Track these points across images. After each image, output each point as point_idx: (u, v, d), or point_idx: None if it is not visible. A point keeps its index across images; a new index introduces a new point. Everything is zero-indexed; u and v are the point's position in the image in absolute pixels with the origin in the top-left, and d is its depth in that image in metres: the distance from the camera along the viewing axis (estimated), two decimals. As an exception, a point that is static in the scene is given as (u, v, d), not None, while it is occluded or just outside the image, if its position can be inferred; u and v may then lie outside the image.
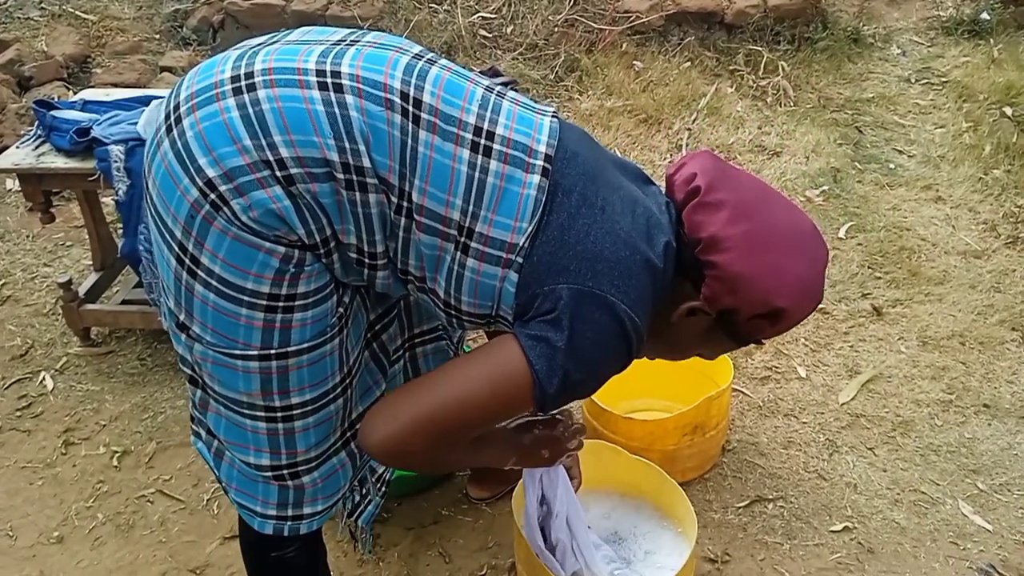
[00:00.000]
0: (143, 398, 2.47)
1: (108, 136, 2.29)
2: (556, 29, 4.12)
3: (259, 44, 1.24)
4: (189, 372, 1.36)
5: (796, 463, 2.24)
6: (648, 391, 2.31)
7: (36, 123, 2.46)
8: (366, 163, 1.16)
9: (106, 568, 2.01)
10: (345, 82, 1.16)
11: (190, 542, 2.06)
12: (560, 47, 4.07)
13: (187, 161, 1.16)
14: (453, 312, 1.29)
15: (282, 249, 1.18)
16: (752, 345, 1.37)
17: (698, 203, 1.28)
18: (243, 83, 1.16)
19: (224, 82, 1.17)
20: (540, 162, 1.23)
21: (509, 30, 4.18)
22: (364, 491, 1.68)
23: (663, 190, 1.38)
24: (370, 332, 1.45)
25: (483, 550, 2.02)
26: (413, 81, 1.19)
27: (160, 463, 2.27)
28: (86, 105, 2.53)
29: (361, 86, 1.16)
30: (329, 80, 1.16)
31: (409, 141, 1.17)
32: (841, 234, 3.08)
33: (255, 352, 1.23)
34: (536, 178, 1.22)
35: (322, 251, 1.22)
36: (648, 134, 3.65)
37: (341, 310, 1.29)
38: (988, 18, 4.31)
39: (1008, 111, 3.71)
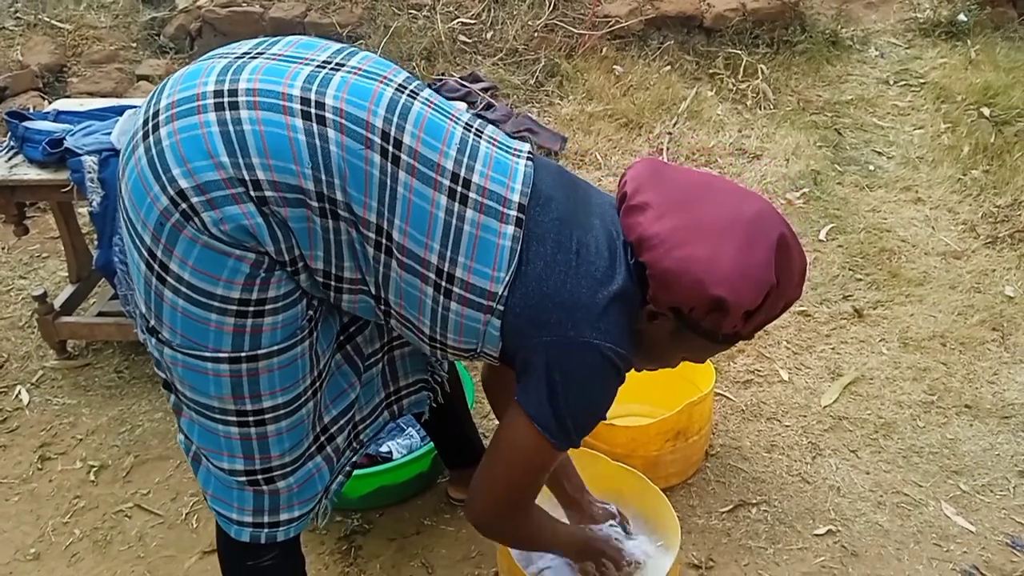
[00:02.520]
0: (120, 411, 2.44)
1: (81, 147, 2.26)
2: (536, 34, 4.12)
3: (245, 55, 1.23)
4: (164, 376, 1.37)
5: (779, 467, 2.24)
6: (630, 397, 2.28)
7: (8, 134, 2.43)
8: (340, 197, 1.18)
9: (83, 585, 1.98)
10: (328, 115, 1.17)
11: (168, 557, 2.04)
12: (540, 52, 4.07)
13: (160, 170, 1.16)
14: (439, 346, 1.34)
15: (252, 255, 1.20)
16: (740, 343, 1.39)
17: (625, 208, 1.32)
18: (226, 99, 1.16)
19: (207, 95, 1.17)
20: (514, 212, 1.27)
21: (489, 35, 4.17)
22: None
23: None
24: (343, 335, 1.45)
25: (466, 560, 2.00)
26: (395, 120, 1.21)
27: (138, 477, 2.24)
28: (59, 115, 2.50)
29: (344, 121, 1.17)
30: (313, 111, 1.17)
31: (388, 181, 1.20)
32: (822, 236, 3.09)
33: (225, 355, 1.24)
34: (511, 228, 1.26)
35: (290, 269, 1.24)
36: (629, 138, 3.65)
37: (311, 313, 1.30)
38: (965, 19, 4.34)
39: (986, 112, 3.73)
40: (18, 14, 4.36)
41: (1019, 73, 3.96)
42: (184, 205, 1.16)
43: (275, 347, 1.26)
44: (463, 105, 3.26)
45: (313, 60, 1.23)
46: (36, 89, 3.88)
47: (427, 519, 2.10)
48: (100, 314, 2.62)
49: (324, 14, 4.19)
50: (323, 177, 1.17)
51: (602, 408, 1.36)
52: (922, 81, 4.05)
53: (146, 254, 1.21)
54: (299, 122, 1.16)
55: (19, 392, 2.52)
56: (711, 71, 4.08)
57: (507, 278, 1.26)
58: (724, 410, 2.40)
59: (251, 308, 1.22)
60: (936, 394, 2.44)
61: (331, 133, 1.17)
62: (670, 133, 3.64)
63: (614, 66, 4.06)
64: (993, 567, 1.97)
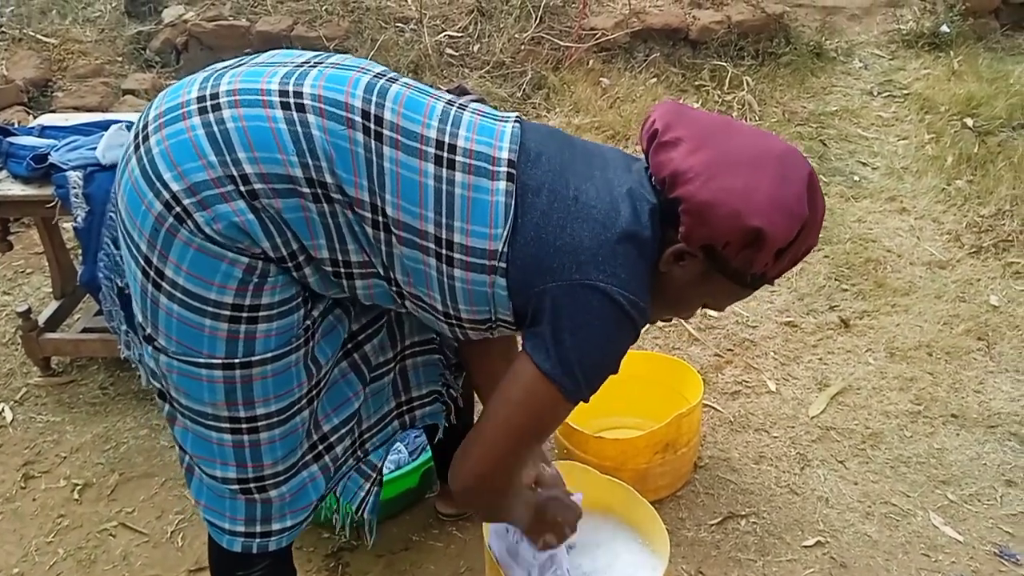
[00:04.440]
0: (105, 428, 2.42)
1: (66, 162, 2.25)
2: (523, 47, 4.13)
3: (225, 67, 1.28)
4: (158, 386, 1.37)
5: (768, 478, 2.24)
6: (619, 409, 2.30)
7: (-8, 150, 2.41)
8: (329, 179, 1.19)
9: (67, 605, 1.96)
10: (307, 102, 1.20)
11: (154, 576, 2.02)
12: (527, 65, 4.08)
13: (152, 176, 1.19)
14: (455, 322, 1.32)
15: (245, 260, 1.21)
16: (765, 286, 1.32)
17: (657, 144, 1.28)
18: (208, 103, 1.20)
19: (190, 102, 1.21)
20: (504, 168, 1.26)
21: (476, 48, 4.19)
22: (368, 482, 1.65)
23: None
24: (351, 342, 1.45)
25: None
26: (374, 99, 1.22)
27: (122, 495, 2.22)
28: (44, 131, 2.49)
29: (323, 105, 1.20)
30: (292, 100, 1.20)
31: (374, 158, 1.20)
32: (808, 247, 3.10)
33: (219, 361, 1.25)
34: (502, 184, 1.25)
35: (290, 264, 1.25)
36: (615, 150, 3.65)
37: (308, 322, 1.31)
38: (948, 31, 4.39)
39: (969, 122, 3.76)
40: (3, 28, 4.35)
41: (1002, 84, 3.99)
42: (178, 208, 1.18)
43: (268, 354, 1.27)
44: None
45: (291, 63, 1.27)
46: (21, 104, 3.86)
47: (415, 535, 2.09)
48: (85, 330, 2.60)
49: (311, 28, 4.19)
50: (310, 162, 1.18)
51: (613, 357, 1.29)
52: (906, 92, 4.09)
53: (142, 262, 1.23)
54: (279, 112, 1.19)
55: (2, 410, 2.49)
56: (697, 83, 4.10)
57: (504, 233, 1.24)
58: (712, 422, 2.40)
59: (244, 314, 1.24)
60: (923, 404, 2.45)
61: (311, 118, 1.19)
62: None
63: (600, 78, 4.07)
64: (981, 577, 1.97)
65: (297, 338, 1.29)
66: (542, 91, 4.00)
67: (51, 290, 2.72)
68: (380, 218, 1.22)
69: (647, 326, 1.37)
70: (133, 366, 2.35)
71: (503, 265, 1.25)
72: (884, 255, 3.06)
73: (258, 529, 1.40)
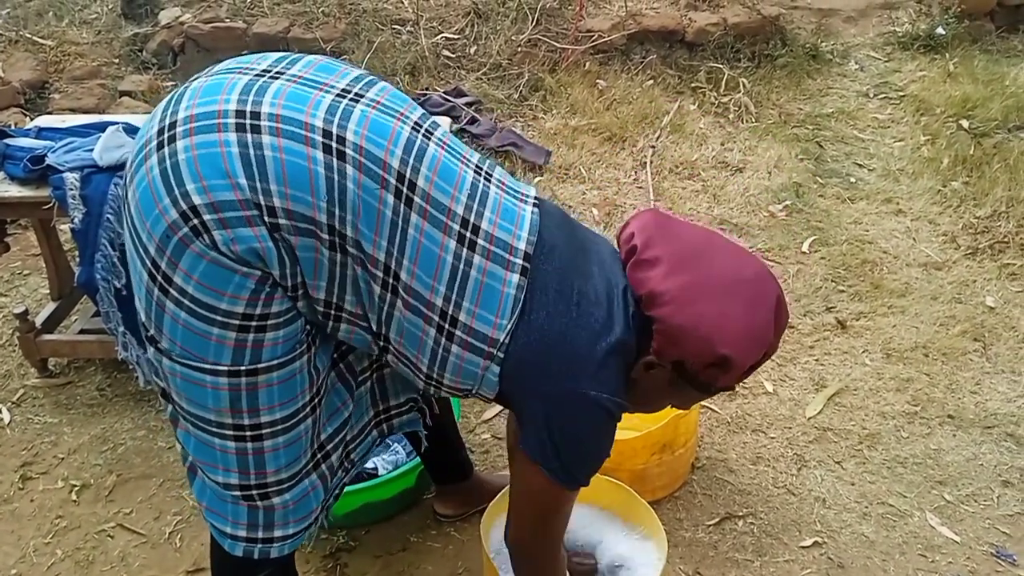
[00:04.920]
0: (103, 429, 2.42)
1: (63, 164, 2.25)
2: (519, 49, 4.13)
3: (265, 72, 1.22)
4: (161, 385, 1.36)
5: (765, 479, 2.24)
6: (616, 410, 2.30)
7: (-11, 151, 2.41)
8: (350, 233, 1.19)
9: (65, 607, 1.96)
10: (348, 151, 1.18)
11: (152, 577, 2.02)
12: (524, 67, 4.08)
13: (173, 183, 1.16)
14: (434, 384, 1.37)
15: (258, 273, 1.20)
16: (722, 392, 1.45)
17: (635, 261, 1.36)
18: (248, 121, 1.16)
19: (228, 113, 1.17)
20: (519, 260, 1.30)
21: (473, 50, 4.19)
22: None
23: None
24: (336, 352, 1.45)
25: (453, 576, 2.00)
26: (411, 162, 1.22)
27: (120, 496, 2.22)
28: (41, 132, 2.49)
29: (362, 159, 1.19)
30: (334, 145, 1.18)
31: (400, 222, 1.21)
32: (804, 248, 3.11)
33: (224, 369, 1.24)
34: (516, 277, 1.29)
35: (290, 294, 1.24)
36: (612, 152, 3.66)
37: (309, 327, 1.30)
38: (943, 33, 4.40)
39: (964, 124, 3.78)
40: (-1, 30, 4.34)
41: (997, 85, 4.01)
42: (195, 221, 1.16)
43: (275, 361, 1.26)
44: (446, 120, 3.27)
45: (333, 87, 1.23)
46: (18, 106, 3.85)
47: (413, 536, 2.09)
48: (82, 332, 2.60)
49: (307, 29, 4.19)
50: (336, 212, 1.18)
51: (603, 452, 1.41)
52: (901, 94, 4.10)
53: (149, 265, 1.21)
54: (320, 155, 1.17)
55: (0, 411, 2.49)
56: (693, 85, 4.11)
57: (510, 326, 1.29)
58: (709, 422, 2.41)
59: (254, 323, 1.23)
60: (919, 404, 2.46)
61: (349, 170, 1.18)
62: (653, 147, 3.66)
63: (597, 80, 4.08)
64: (978, 577, 1.98)
65: (301, 344, 1.29)
66: (539, 93, 4.00)
67: (48, 291, 2.72)
68: (391, 280, 1.23)
69: None
70: (130, 367, 2.37)
71: (501, 355, 1.30)
72: (880, 256, 3.07)
73: (260, 535, 1.40)
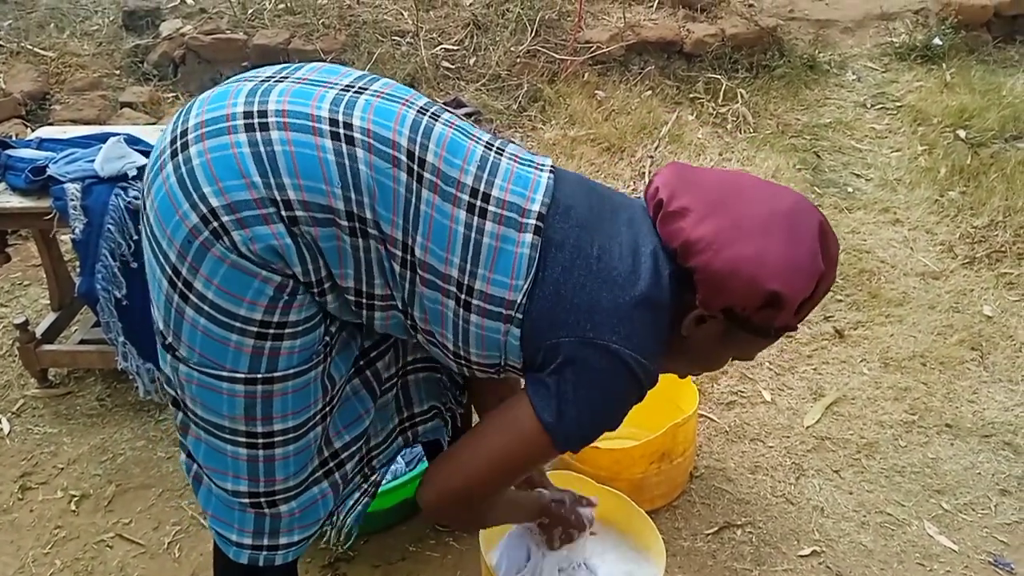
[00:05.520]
0: (102, 439, 2.42)
1: (64, 174, 2.26)
2: (518, 60, 4.16)
3: (270, 78, 1.26)
4: (173, 394, 1.36)
5: (763, 488, 2.24)
6: (615, 419, 2.30)
7: (-10, 162, 2.42)
8: (369, 215, 1.20)
9: (64, 617, 1.96)
10: (356, 135, 1.19)
11: (151, 587, 2.02)
12: (523, 77, 4.10)
13: (190, 188, 1.17)
14: (463, 362, 1.33)
15: (277, 279, 1.21)
16: (787, 335, 1.34)
17: (663, 215, 1.30)
18: (256, 120, 1.18)
19: (236, 115, 1.19)
20: (533, 221, 1.27)
21: (472, 61, 4.21)
22: (364, 495, 1.64)
23: None
24: (364, 359, 1.46)
25: (451, 586, 2.00)
26: (419, 140, 1.23)
27: (120, 506, 2.22)
28: (42, 143, 2.50)
29: (371, 141, 1.19)
30: (341, 131, 1.19)
31: (412, 199, 1.21)
32: (803, 258, 3.11)
33: (242, 376, 1.25)
34: (529, 236, 1.26)
35: (316, 290, 1.25)
36: (611, 162, 3.68)
37: (327, 339, 1.31)
38: (940, 43, 4.42)
39: (961, 134, 3.79)
40: (1, 41, 4.36)
41: (994, 95, 4.03)
42: (215, 224, 1.17)
43: (291, 370, 1.27)
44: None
45: (337, 84, 1.25)
46: (19, 117, 3.87)
47: (412, 546, 2.09)
48: (82, 342, 2.61)
49: (308, 41, 4.21)
50: (352, 196, 1.19)
51: (612, 416, 1.31)
52: (899, 104, 4.12)
53: (170, 271, 1.22)
54: (328, 143, 1.18)
55: (0, 421, 2.50)
56: (691, 95, 4.13)
57: (525, 285, 1.25)
58: (708, 431, 2.41)
59: (271, 331, 1.23)
60: (917, 413, 2.46)
61: (360, 153, 1.19)
62: (652, 157, 3.68)
63: (596, 91, 4.10)
64: (976, 586, 1.98)
65: (317, 355, 1.29)
66: (538, 104, 4.02)
67: (48, 302, 2.73)
68: (409, 257, 1.23)
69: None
70: (130, 378, 2.38)
71: (519, 316, 1.26)
72: (878, 266, 3.08)
73: (266, 542, 1.40)
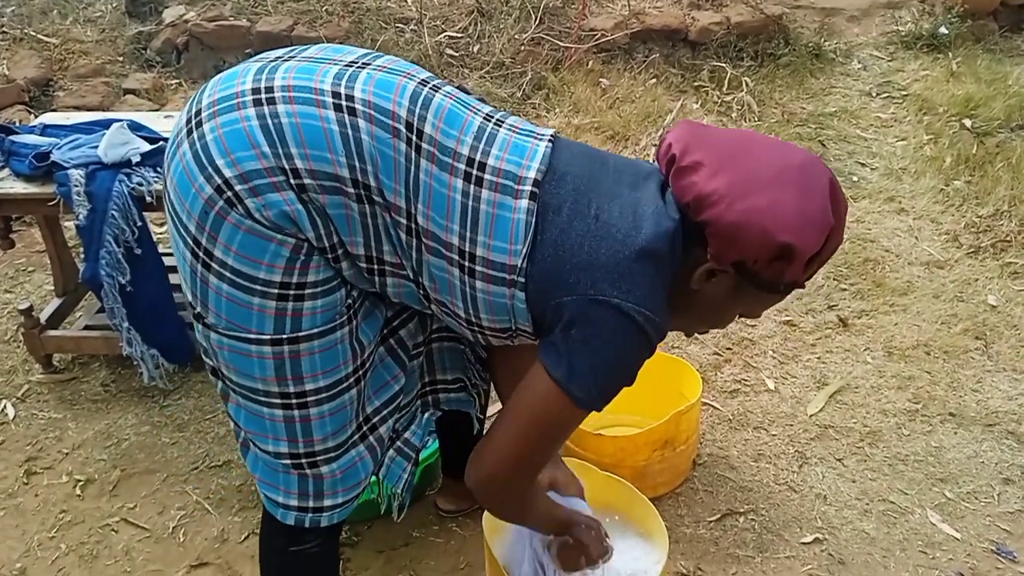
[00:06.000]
0: (107, 425, 2.43)
1: (68, 160, 2.26)
2: (522, 48, 4.14)
3: (278, 58, 1.32)
4: (211, 363, 1.42)
5: (766, 475, 2.25)
6: (617, 407, 2.28)
7: (-6, 148, 2.42)
8: (372, 183, 1.24)
9: (69, 600, 1.97)
10: (358, 107, 1.24)
11: (155, 571, 2.02)
12: (527, 65, 4.09)
13: (204, 161, 1.23)
14: (476, 329, 1.37)
15: (292, 240, 1.26)
16: (796, 290, 1.35)
17: (676, 170, 1.31)
18: (263, 95, 1.24)
19: (245, 92, 1.25)
20: (528, 187, 1.29)
21: (476, 49, 4.20)
22: (410, 464, 1.68)
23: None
24: (387, 328, 1.49)
25: (455, 571, 2.00)
26: (417, 111, 1.27)
27: (124, 491, 2.23)
28: (46, 129, 2.50)
29: (372, 112, 1.25)
30: (344, 103, 1.24)
31: (412, 168, 1.26)
32: (807, 247, 3.11)
33: (268, 338, 1.30)
34: (524, 203, 1.28)
35: (330, 256, 1.29)
36: (615, 150, 3.67)
37: (350, 301, 1.35)
38: (946, 32, 4.40)
39: (967, 123, 3.78)
40: (4, 28, 4.36)
41: (1000, 85, 4.01)
42: (228, 193, 1.22)
43: (315, 330, 1.31)
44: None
45: (341, 61, 1.31)
46: (22, 103, 3.87)
47: (415, 531, 2.10)
48: (86, 327, 2.61)
49: (311, 28, 4.21)
50: (356, 164, 1.23)
51: (625, 370, 1.32)
52: (904, 93, 4.10)
53: (191, 243, 1.27)
54: (332, 114, 1.23)
55: (4, 407, 2.50)
56: (696, 84, 4.12)
57: (524, 250, 1.28)
58: (711, 420, 2.41)
59: (292, 292, 1.28)
60: (921, 402, 2.46)
61: (361, 123, 1.23)
62: (656, 145, 3.66)
63: (600, 79, 4.08)
64: (979, 574, 1.98)
65: (341, 315, 1.33)
66: (542, 91, 4.01)
67: (53, 288, 2.73)
68: (412, 224, 1.27)
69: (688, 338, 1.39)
70: (134, 363, 2.38)
71: (522, 280, 1.29)
72: (883, 255, 3.07)
73: (311, 504, 1.45)
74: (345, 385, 1.38)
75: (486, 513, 1.82)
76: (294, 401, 1.35)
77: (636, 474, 2.04)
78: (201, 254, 1.27)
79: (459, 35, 4.24)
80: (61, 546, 2.09)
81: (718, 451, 2.32)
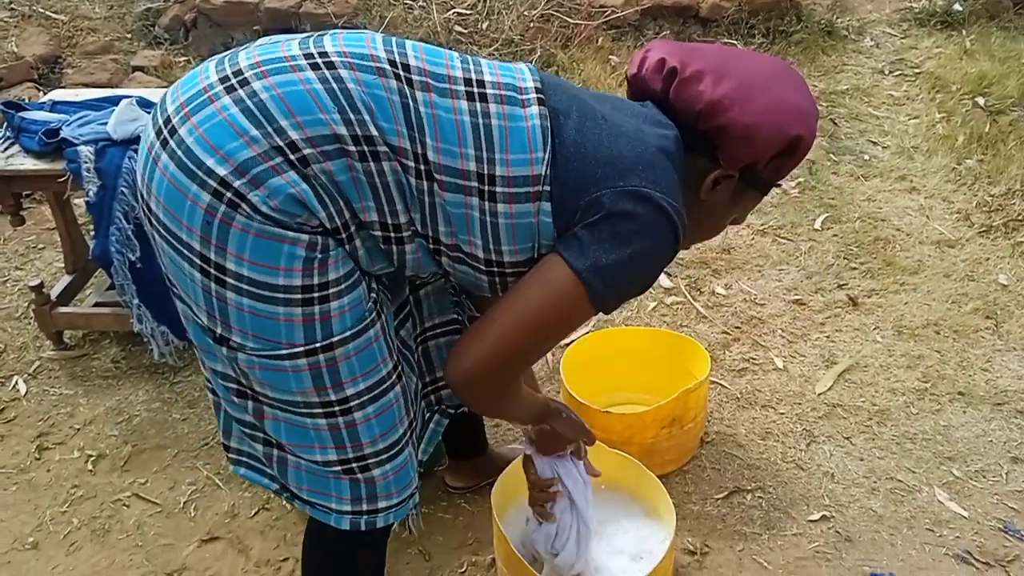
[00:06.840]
0: (118, 401, 2.45)
1: (77, 137, 2.26)
2: (532, 24, 4.11)
3: (234, 51, 1.26)
4: (235, 387, 1.32)
5: (774, 454, 2.25)
6: (626, 385, 2.31)
7: (4, 125, 2.43)
8: (373, 131, 1.17)
9: (81, 573, 1.99)
10: (335, 59, 1.19)
11: (167, 545, 2.04)
12: (536, 42, 4.07)
13: (193, 167, 1.15)
14: (496, 268, 1.31)
15: (306, 237, 1.18)
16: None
17: (680, 81, 1.34)
18: (234, 80, 1.17)
19: (213, 84, 1.18)
20: (532, 95, 1.28)
21: (485, 25, 4.17)
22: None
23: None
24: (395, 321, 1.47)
25: (463, 547, 2.02)
26: (395, 49, 1.24)
27: (135, 466, 2.25)
28: (55, 106, 2.50)
29: (351, 59, 1.20)
30: (319, 60, 1.19)
31: (409, 103, 1.20)
32: (817, 225, 3.10)
33: (301, 349, 1.22)
34: (534, 109, 1.27)
35: (343, 235, 1.22)
36: (624, 128, 3.65)
37: (373, 295, 1.30)
38: (960, 9, 4.35)
39: (980, 101, 3.74)
40: (12, 5, 4.34)
41: (1014, 63, 3.97)
42: (228, 193, 1.14)
43: (347, 332, 1.24)
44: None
45: (299, 35, 1.27)
46: (31, 80, 3.87)
47: (424, 507, 2.10)
48: (97, 304, 2.63)
49: (319, 4, 4.18)
50: (352, 117, 1.17)
51: (649, 268, 1.29)
52: (917, 71, 4.06)
53: (198, 261, 1.18)
54: (311, 74, 1.17)
55: (16, 383, 2.52)
56: (707, 61, 4.08)
57: (545, 156, 1.24)
58: (719, 398, 2.41)
59: (315, 294, 1.21)
60: (930, 381, 2.46)
61: (344, 73, 1.18)
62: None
63: (610, 56, 4.06)
64: (986, 552, 1.98)
65: (369, 312, 1.28)
66: (551, 69, 3.98)
67: (63, 264, 2.74)
68: (422, 166, 1.21)
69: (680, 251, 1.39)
70: (145, 340, 2.40)
71: (547, 188, 1.24)
72: (893, 234, 3.06)
73: (365, 508, 1.37)
74: (387, 384, 1.32)
75: (495, 490, 1.83)
76: (337, 408, 1.28)
77: (644, 452, 2.05)
78: (212, 270, 1.18)
79: (468, 11, 4.21)
80: (73, 520, 2.11)
81: (726, 429, 2.32)
